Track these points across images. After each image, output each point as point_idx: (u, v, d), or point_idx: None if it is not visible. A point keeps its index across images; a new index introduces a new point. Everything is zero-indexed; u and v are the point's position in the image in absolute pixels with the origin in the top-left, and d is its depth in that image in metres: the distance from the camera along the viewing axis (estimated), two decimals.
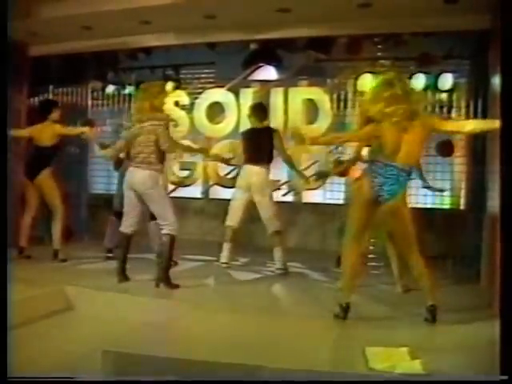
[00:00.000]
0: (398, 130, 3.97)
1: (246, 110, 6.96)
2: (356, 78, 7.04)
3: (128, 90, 7.97)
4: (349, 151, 6.38)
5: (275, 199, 6.14)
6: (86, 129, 6.44)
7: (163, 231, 5.00)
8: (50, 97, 8.09)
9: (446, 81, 6.48)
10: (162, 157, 5.01)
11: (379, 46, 6.73)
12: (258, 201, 5.92)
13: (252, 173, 5.90)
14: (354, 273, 4.17)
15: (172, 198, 5.51)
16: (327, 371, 2.99)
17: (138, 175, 4.94)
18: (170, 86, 7.69)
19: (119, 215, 5.40)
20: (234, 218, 6.05)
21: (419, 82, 6.45)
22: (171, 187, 7.42)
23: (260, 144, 5.95)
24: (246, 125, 6.76)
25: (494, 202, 4.89)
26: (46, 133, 6.15)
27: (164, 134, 4.91)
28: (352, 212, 4.18)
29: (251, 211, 6.04)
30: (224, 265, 6.06)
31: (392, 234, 4.08)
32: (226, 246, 6.08)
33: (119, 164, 6.33)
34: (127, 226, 5.11)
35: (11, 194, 4.75)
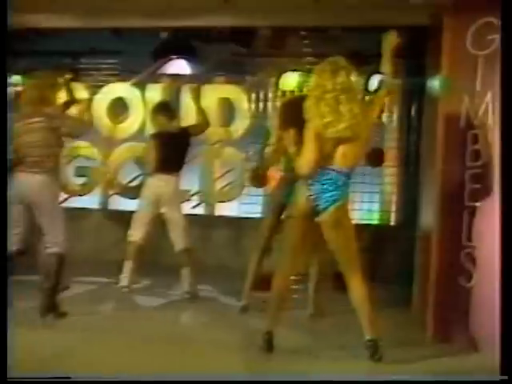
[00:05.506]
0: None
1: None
2: (278, 77, 6.87)
3: (14, 79, 7.15)
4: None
5: (185, 212, 5.80)
6: None
7: (50, 250, 4.56)
8: None
9: (376, 82, 6.13)
10: (55, 159, 4.62)
11: (306, 41, 6.56)
12: (167, 213, 5.60)
13: (161, 182, 5.56)
14: (282, 298, 3.90)
15: (64, 209, 5.07)
16: None
17: (28, 182, 4.53)
18: (65, 76, 6.69)
19: None
20: (138, 233, 5.62)
21: None
22: (63, 196, 6.75)
23: (175, 150, 5.61)
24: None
25: (427, 218, 4.79)
26: None
27: (64, 123, 4.56)
28: (287, 228, 3.99)
29: (157, 225, 5.68)
30: (124, 289, 5.58)
31: (333, 251, 3.79)
32: (128, 266, 5.60)
33: None
34: (12, 242, 4.56)
35: None
